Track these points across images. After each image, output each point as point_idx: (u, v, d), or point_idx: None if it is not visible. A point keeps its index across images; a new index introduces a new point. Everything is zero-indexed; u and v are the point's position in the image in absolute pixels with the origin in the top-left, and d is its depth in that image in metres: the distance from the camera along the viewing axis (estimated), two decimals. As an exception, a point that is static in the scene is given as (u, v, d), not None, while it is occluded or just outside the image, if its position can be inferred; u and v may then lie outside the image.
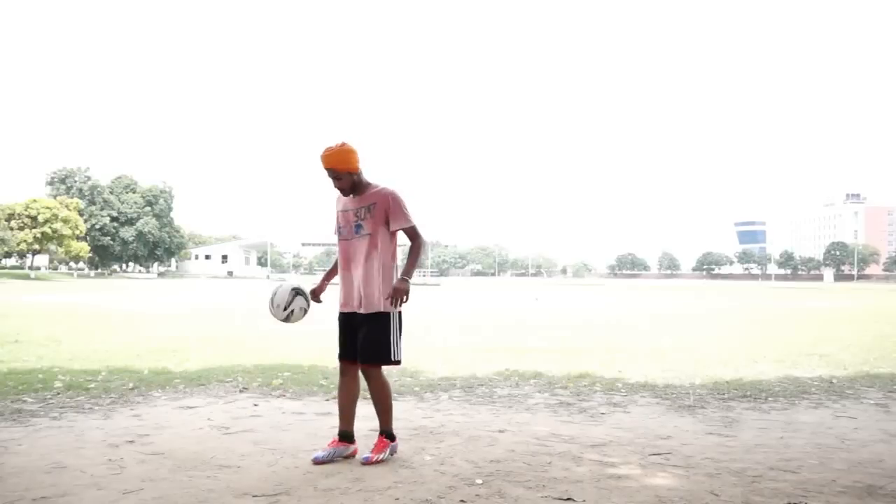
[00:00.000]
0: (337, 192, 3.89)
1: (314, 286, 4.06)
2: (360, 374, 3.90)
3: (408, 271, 3.73)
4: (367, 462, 3.72)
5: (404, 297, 3.68)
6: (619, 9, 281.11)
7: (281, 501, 3.18)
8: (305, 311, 3.99)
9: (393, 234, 3.83)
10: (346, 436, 3.89)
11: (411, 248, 3.87)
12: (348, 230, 3.85)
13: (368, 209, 3.78)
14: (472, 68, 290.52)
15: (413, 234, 3.81)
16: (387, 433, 3.89)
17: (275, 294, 3.95)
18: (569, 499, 3.23)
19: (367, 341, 3.76)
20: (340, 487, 3.36)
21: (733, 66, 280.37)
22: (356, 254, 3.81)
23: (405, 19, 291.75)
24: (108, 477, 3.49)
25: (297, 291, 3.95)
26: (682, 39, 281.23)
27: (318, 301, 4.06)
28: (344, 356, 3.91)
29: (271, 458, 3.89)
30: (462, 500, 3.19)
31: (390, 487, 3.36)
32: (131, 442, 4.20)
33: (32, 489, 3.27)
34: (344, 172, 3.73)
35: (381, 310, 3.76)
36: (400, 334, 3.84)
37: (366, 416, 4.32)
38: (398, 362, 3.84)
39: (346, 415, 3.92)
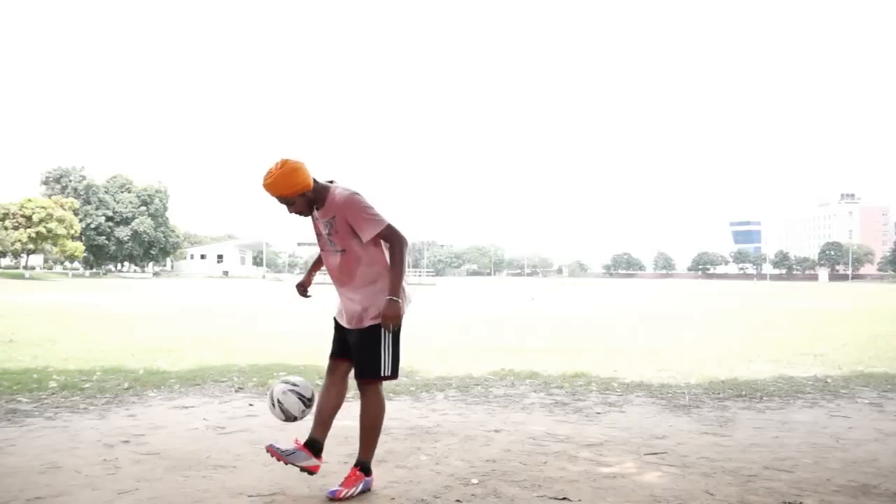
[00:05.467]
0: None
1: (300, 280, 3.68)
2: (348, 377, 3.49)
3: (393, 289, 3.17)
4: (333, 497, 3.20)
5: (397, 322, 3.20)
6: (615, 9, 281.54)
7: (276, 501, 3.18)
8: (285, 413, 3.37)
9: (375, 239, 3.28)
10: (313, 444, 3.34)
11: (391, 258, 3.24)
12: (324, 241, 3.39)
13: (331, 223, 3.28)
14: (468, 67, 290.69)
15: (387, 234, 3.22)
16: (363, 466, 3.34)
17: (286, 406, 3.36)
18: (564, 498, 3.23)
19: (358, 354, 3.33)
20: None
21: (729, 67, 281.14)
22: (339, 268, 3.34)
23: (403, 17, 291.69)
24: (103, 477, 3.48)
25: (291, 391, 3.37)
26: (678, 39, 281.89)
27: (306, 295, 3.71)
28: (333, 354, 3.48)
29: (266, 458, 3.86)
30: (458, 500, 3.19)
31: (386, 487, 3.36)
32: (126, 442, 4.19)
33: (27, 489, 3.26)
34: (296, 196, 3.20)
35: (370, 324, 3.28)
36: (392, 347, 3.33)
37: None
38: (390, 377, 3.35)
39: (322, 420, 3.40)
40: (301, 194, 3.21)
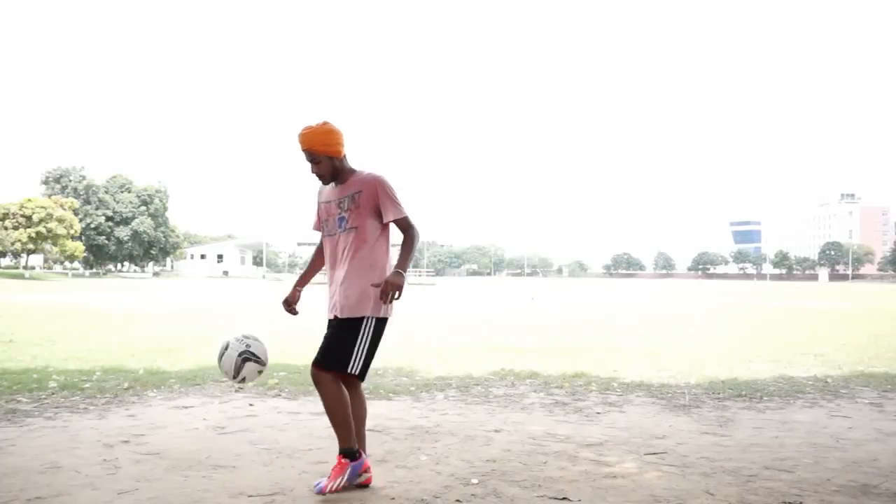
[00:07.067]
0: (319, 183, 3.47)
1: (286, 297, 3.59)
2: (344, 384, 3.32)
3: (402, 264, 3.22)
4: (320, 491, 3.21)
5: (397, 294, 3.17)
6: (616, 8, 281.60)
7: (276, 501, 3.17)
8: (260, 372, 3.51)
9: (384, 228, 3.35)
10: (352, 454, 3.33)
11: (404, 240, 3.33)
12: (332, 224, 3.37)
13: (353, 198, 3.30)
14: (468, 66, 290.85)
15: (406, 224, 3.31)
16: (344, 452, 3.30)
17: (221, 361, 3.46)
18: (564, 498, 3.23)
19: (327, 341, 3.28)
20: (336, 487, 3.35)
21: (729, 66, 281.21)
22: (341, 251, 3.33)
23: (403, 17, 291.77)
24: (102, 477, 3.48)
25: (246, 357, 3.42)
26: (679, 39, 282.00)
27: (294, 312, 3.60)
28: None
29: (267, 457, 3.88)
30: (458, 500, 3.19)
31: (385, 487, 3.36)
32: (126, 442, 4.19)
33: (27, 489, 3.26)
34: (322, 155, 3.27)
35: (359, 315, 3.25)
36: (367, 346, 3.27)
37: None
38: (356, 376, 3.28)
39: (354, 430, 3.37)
40: (329, 157, 3.30)
